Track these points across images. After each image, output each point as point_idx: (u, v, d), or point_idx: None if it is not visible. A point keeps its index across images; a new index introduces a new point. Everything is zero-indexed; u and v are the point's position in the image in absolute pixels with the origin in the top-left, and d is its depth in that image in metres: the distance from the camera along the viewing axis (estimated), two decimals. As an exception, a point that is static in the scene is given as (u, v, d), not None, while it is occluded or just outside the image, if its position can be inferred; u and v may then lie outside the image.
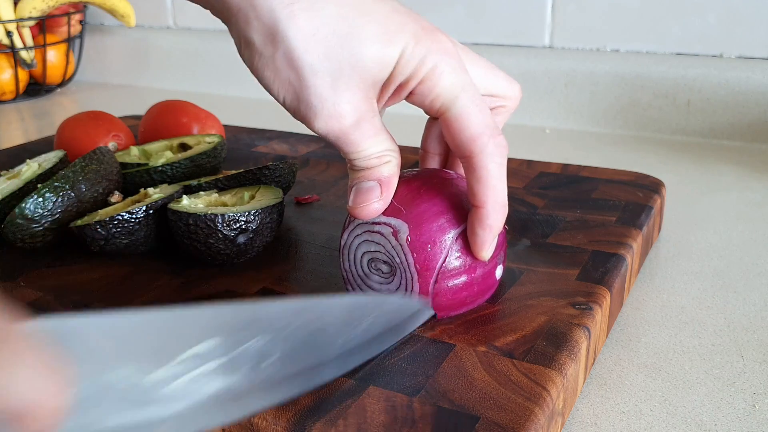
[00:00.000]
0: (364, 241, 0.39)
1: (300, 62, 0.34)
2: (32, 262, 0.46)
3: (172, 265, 0.46)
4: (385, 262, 0.38)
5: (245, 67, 0.36)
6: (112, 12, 1.14)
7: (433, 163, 0.43)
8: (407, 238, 0.37)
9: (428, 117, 0.42)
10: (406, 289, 0.38)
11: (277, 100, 0.36)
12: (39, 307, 0.41)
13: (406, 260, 0.37)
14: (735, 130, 0.82)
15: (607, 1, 0.88)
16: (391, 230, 0.37)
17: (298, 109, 0.35)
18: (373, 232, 0.38)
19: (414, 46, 0.35)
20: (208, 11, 0.37)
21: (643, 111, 0.86)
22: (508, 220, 0.51)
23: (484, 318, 0.39)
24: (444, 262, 0.37)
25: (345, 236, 0.40)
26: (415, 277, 0.37)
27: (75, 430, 0.24)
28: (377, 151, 0.36)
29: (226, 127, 0.75)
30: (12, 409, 0.20)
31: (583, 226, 0.50)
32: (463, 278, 0.38)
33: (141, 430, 0.26)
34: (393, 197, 0.38)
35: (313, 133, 0.54)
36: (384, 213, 0.38)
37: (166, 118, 0.65)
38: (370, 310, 0.35)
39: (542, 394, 0.32)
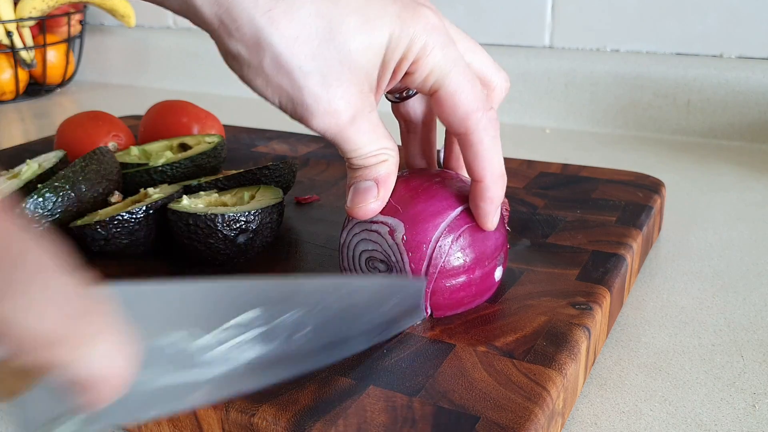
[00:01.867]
0: (362, 239, 0.39)
1: (289, 66, 0.34)
2: (32, 262, 0.46)
3: (172, 265, 0.46)
4: (381, 261, 0.39)
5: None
6: (112, 12, 1.14)
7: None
8: (403, 238, 0.37)
9: (445, 137, 0.43)
10: None
11: (273, 104, 0.36)
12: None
13: (402, 259, 0.38)
14: (735, 130, 0.82)
15: (607, 1, 0.88)
16: (388, 229, 0.38)
17: (294, 111, 0.35)
18: (371, 231, 0.38)
19: (400, 28, 0.35)
20: None
21: (643, 111, 0.86)
22: (509, 220, 0.51)
23: (484, 318, 0.39)
24: (442, 262, 0.37)
25: (344, 235, 0.40)
26: (410, 276, 0.37)
27: (128, 390, 0.25)
28: (374, 149, 0.36)
29: (226, 127, 0.75)
30: (84, 379, 0.21)
31: (583, 226, 0.50)
32: (461, 278, 0.38)
33: (183, 391, 0.28)
34: (391, 196, 0.38)
35: (313, 133, 0.54)
36: (381, 212, 0.38)
37: (166, 118, 0.65)
38: (395, 292, 0.36)
39: (542, 394, 0.32)
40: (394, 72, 0.36)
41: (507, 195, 0.53)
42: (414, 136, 0.43)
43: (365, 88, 0.36)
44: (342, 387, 0.33)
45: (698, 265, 0.52)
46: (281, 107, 0.36)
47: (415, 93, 0.42)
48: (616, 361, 0.41)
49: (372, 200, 0.37)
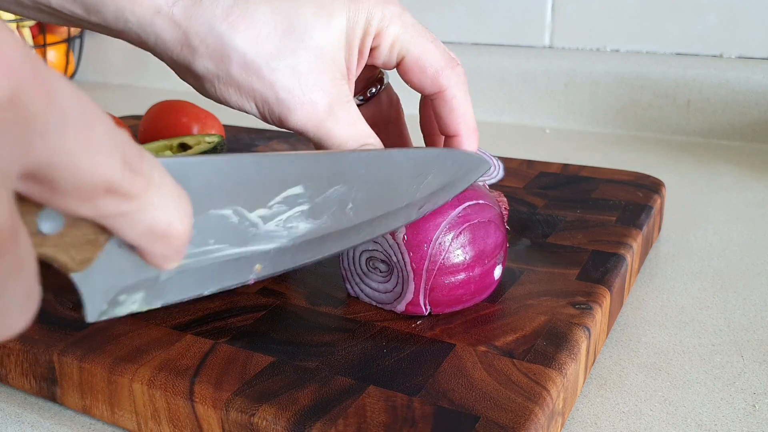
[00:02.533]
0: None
1: (256, 65, 0.34)
2: (32, 262, 0.46)
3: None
4: (382, 261, 0.39)
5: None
6: (112, 12, 1.14)
7: (436, 144, 0.44)
8: (404, 237, 0.37)
9: (420, 100, 0.43)
10: (402, 288, 0.38)
11: (252, 113, 0.36)
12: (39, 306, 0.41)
13: (403, 259, 0.38)
14: (735, 130, 0.82)
15: (607, 1, 0.88)
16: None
17: (272, 111, 0.36)
18: None
19: (355, 8, 0.36)
20: None
21: (643, 111, 0.86)
22: (509, 220, 0.51)
23: (484, 318, 0.39)
24: (441, 259, 0.37)
25: None
26: (411, 276, 0.37)
27: (191, 257, 0.27)
28: (357, 143, 0.37)
29: (226, 127, 0.75)
30: (157, 228, 0.22)
31: (583, 225, 0.50)
32: (461, 276, 0.38)
33: (239, 265, 0.29)
34: None
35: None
36: None
37: (166, 118, 0.65)
38: (434, 165, 0.37)
39: (542, 393, 0.32)
40: (360, 52, 0.37)
41: (507, 195, 0.53)
42: (385, 137, 0.43)
43: (336, 75, 0.36)
44: (342, 387, 0.33)
45: (698, 265, 0.52)
46: (259, 112, 0.36)
47: (378, 90, 0.42)
48: (616, 361, 0.41)
49: None
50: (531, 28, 0.93)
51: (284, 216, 0.30)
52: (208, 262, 0.28)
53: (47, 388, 0.37)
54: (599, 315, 0.39)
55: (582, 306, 0.39)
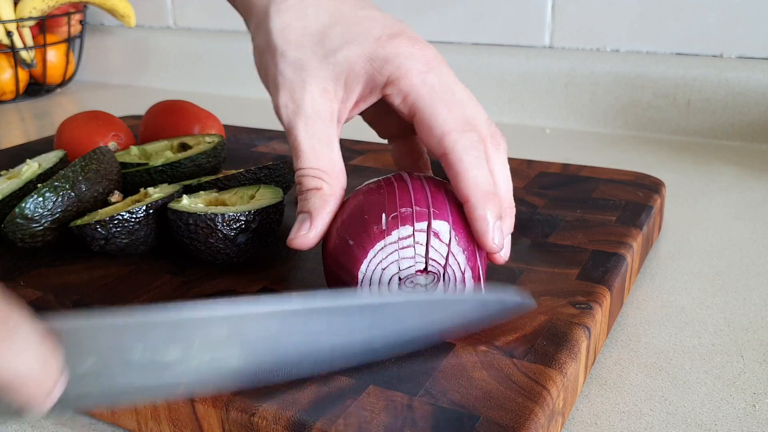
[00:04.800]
0: (391, 263, 0.35)
1: (274, 46, 0.38)
2: (32, 262, 0.46)
3: (172, 264, 0.46)
4: (420, 272, 0.36)
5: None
6: (112, 12, 1.14)
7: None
8: (455, 237, 0.36)
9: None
10: (454, 291, 0.37)
11: (260, 78, 0.41)
12: (39, 306, 0.41)
13: (456, 259, 0.36)
14: (735, 130, 0.82)
15: (607, 1, 0.88)
16: (431, 234, 0.35)
17: (267, 87, 0.40)
18: (404, 247, 0.35)
19: (378, 48, 0.37)
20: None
21: (643, 111, 0.86)
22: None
23: (484, 318, 0.38)
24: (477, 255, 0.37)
25: (362, 269, 0.36)
26: (468, 274, 0.36)
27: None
28: (313, 166, 0.38)
29: (226, 127, 0.75)
30: (6, 381, 0.23)
31: (583, 225, 0.50)
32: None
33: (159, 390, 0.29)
34: (416, 203, 0.36)
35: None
36: (415, 219, 0.35)
37: (166, 118, 0.64)
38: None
39: (542, 393, 0.32)
40: (366, 86, 0.38)
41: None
42: (398, 143, 0.45)
43: (329, 89, 0.38)
44: (342, 387, 0.33)
45: (698, 265, 0.52)
46: (262, 82, 0.40)
47: None
48: (616, 361, 0.41)
49: (304, 231, 0.37)
50: (531, 28, 0.93)
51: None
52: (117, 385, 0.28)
53: (47, 387, 0.37)
54: (599, 315, 0.39)
55: (582, 306, 0.39)
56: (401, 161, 0.46)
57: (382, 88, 0.38)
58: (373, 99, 0.39)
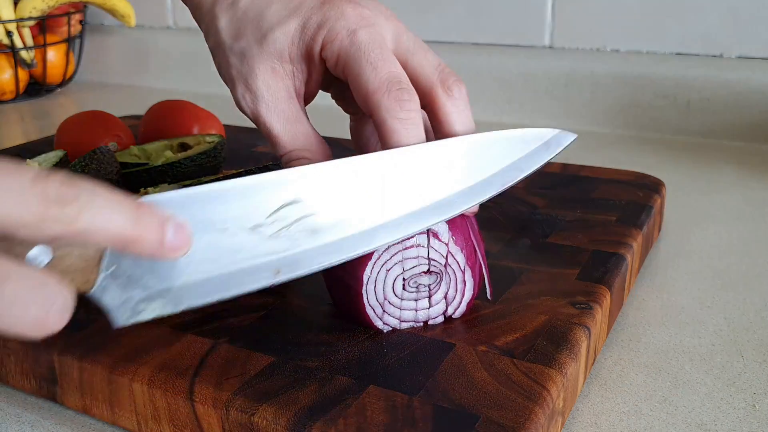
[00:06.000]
0: (395, 264, 0.36)
1: (222, 43, 0.40)
2: (32, 262, 0.46)
3: (172, 264, 0.46)
4: (424, 273, 0.36)
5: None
6: (112, 12, 1.14)
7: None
8: (452, 238, 0.36)
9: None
10: (456, 289, 0.37)
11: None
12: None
13: (455, 259, 0.37)
14: (735, 130, 0.82)
15: (607, 1, 0.88)
16: (431, 235, 0.36)
17: (228, 86, 0.40)
18: (407, 248, 0.36)
19: (311, 15, 0.37)
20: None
21: (644, 111, 0.86)
22: (509, 220, 0.51)
23: (484, 317, 0.38)
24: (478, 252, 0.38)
25: (367, 271, 0.36)
26: (469, 273, 0.37)
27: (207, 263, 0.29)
28: (292, 147, 0.37)
29: (226, 127, 0.75)
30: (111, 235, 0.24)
31: (583, 225, 0.50)
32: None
33: (261, 267, 0.31)
34: None
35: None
36: None
37: (166, 118, 0.64)
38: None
39: (542, 393, 0.32)
40: (307, 55, 0.38)
41: (507, 194, 0.53)
42: (362, 125, 0.43)
43: (277, 68, 0.38)
44: (342, 386, 0.33)
45: (698, 265, 0.52)
46: (224, 82, 0.40)
47: None
48: (616, 361, 0.41)
49: None
50: (531, 28, 0.93)
51: (294, 224, 0.31)
52: (225, 269, 0.30)
53: (47, 388, 0.37)
54: (599, 315, 0.39)
55: (582, 306, 0.39)
56: (357, 139, 0.43)
57: (319, 55, 0.37)
58: (321, 69, 0.38)
